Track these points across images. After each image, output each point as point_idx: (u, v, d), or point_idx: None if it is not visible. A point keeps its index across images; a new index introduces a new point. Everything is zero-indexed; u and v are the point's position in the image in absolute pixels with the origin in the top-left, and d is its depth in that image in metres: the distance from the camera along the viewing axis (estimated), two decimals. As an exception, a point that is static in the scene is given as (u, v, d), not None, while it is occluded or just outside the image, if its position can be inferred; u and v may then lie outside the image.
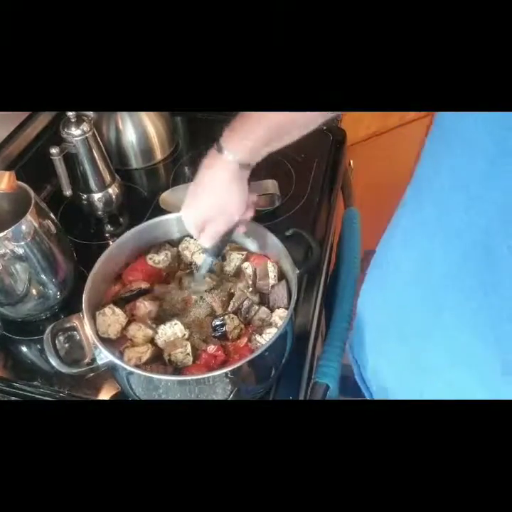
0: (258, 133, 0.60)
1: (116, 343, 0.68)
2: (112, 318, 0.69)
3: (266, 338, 0.66)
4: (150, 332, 0.68)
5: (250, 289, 0.73)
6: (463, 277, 0.52)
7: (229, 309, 0.71)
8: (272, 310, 0.71)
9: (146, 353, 0.66)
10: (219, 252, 0.73)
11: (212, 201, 0.66)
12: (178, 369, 0.66)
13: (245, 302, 0.70)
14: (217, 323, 0.68)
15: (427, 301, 0.59)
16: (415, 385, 0.67)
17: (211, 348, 0.66)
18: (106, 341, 0.67)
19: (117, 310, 0.70)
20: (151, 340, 0.68)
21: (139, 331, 0.68)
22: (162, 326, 0.68)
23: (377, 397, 0.80)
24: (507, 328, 0.50)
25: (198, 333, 0.69)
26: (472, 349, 0.55)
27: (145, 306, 0.71)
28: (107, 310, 0.69)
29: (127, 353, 0.66)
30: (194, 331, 0.69)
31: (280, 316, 0.69)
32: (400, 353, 0.68)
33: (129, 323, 0.70)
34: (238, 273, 0.77)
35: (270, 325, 0.69)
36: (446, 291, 0.55)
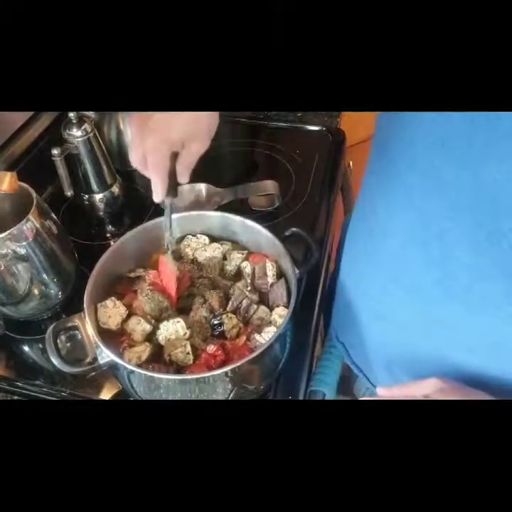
0: None
1: (116, 338, 0.68)
2: (113, 310, 0.70)
3: (265, 337, 0.66)
4: (148, 327, 0.69)
5: (249, 288, 0.73)
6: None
7: (228, 308, 0.71)
8: (271, 309, 0.71)
9: (144, 351, 0.66)
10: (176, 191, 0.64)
11: (184, 122, 0.55)
12: (179, 368, 0.66)
13: (244, 301, 0.71)
14: (215, 322, 0.69)
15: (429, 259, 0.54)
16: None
17: (211, 348, 0.66)
18: (106, 333, 0.67)
19: (118, 303, 0.71)
20: (149, 339, 0.69)
21: (137, 325, 0.69)
22: (164, 322, 0.68)
23: (378, 374, 0.75)
24: None
25: (199, 333, 0.69)
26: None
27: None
28: (109, 302, 0.71)
29: (126, 354, 0.66)
30: (195, 331, 0.69)
31: (279, 315, 0.70)
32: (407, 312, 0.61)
33: (129, 316, 0.71)
34: (239, 273, 0.77)
35: (269, 324, 0.69)
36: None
